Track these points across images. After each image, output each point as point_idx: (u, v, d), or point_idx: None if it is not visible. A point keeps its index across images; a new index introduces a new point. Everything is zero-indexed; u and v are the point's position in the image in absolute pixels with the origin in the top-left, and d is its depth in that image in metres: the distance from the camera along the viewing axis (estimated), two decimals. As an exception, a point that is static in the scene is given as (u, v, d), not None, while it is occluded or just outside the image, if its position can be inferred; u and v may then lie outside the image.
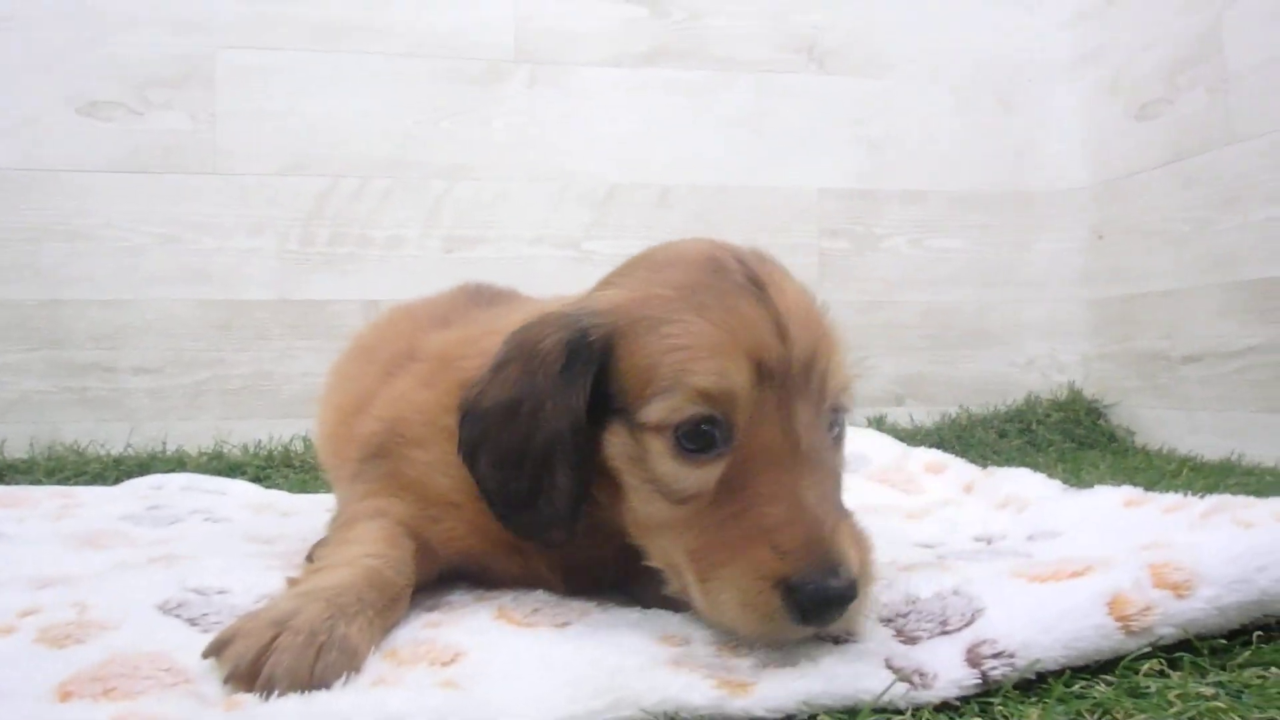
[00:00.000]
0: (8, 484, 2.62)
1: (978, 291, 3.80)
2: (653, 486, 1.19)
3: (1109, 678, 1.10)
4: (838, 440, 1.27)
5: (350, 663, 1.06)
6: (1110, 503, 1.83)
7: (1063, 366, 3.81)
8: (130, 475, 2.75)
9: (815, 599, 1.05)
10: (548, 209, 3.51)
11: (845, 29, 3.75)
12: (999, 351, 3.81)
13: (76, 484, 2.68)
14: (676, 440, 1.17)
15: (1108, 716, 1.01)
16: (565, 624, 1.22)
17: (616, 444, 1.22)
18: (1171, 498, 1.75)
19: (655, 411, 1.17)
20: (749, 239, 3.42)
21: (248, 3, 3.31)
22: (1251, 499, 1.56)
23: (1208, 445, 3.10)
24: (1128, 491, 1.88)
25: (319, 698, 0.99)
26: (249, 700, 0.98)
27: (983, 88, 3.83)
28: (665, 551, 1.21)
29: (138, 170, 3.22)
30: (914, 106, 3.79)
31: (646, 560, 1.25)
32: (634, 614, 1.25)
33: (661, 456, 1.18)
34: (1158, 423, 3.41)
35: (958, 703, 1.06)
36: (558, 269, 3.26)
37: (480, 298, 1.94)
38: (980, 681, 1.07)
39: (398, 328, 1.88)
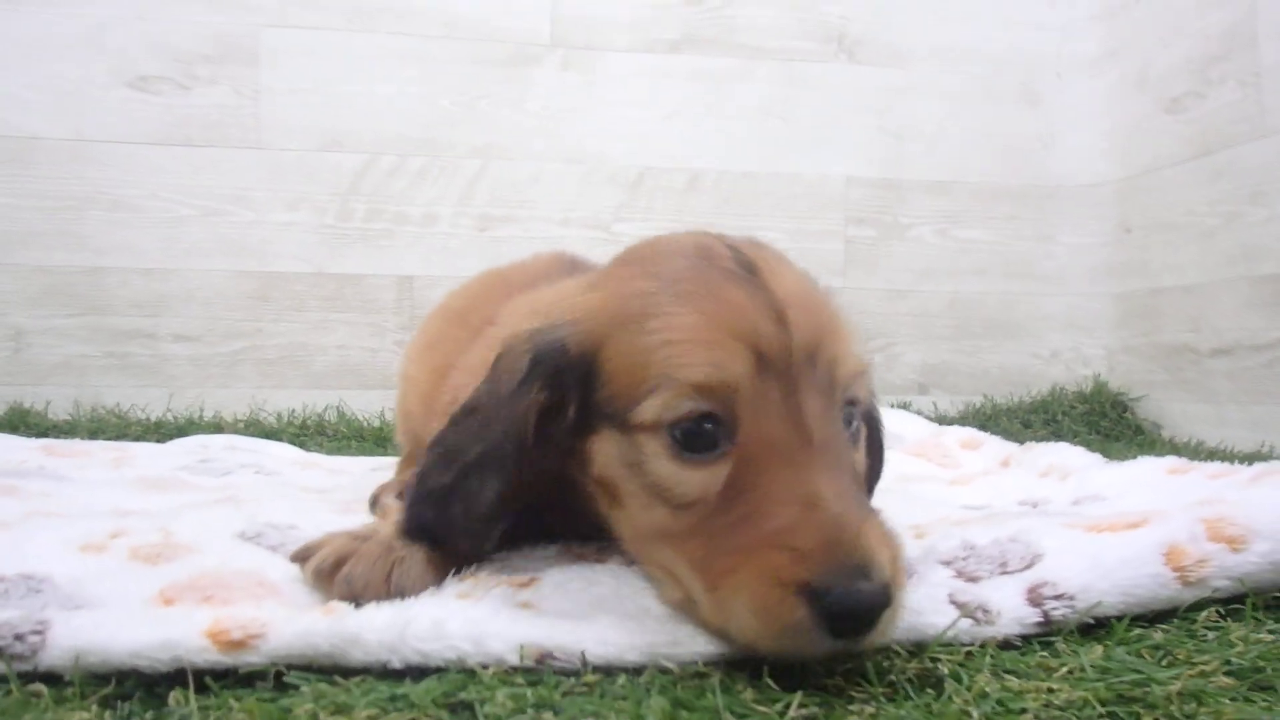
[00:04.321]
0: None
1: (1002, 283, 3.80)
2: (651, 492, 1.08)
3: (1166, 626, 1.12)
4: (854, 436, 1.15)
5: (424, 577, 1.10)
6: (1154, 470, 1.84)
7: (1087, 359, 3.81)
8: (171, 438, 2.78)
9: (844, 605, 0.91)
10: (578, 191, 3.53)
11: (872, 19, 3.76)
12: (1023, 343, 3.81)
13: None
14: (673, 440, 1.06)
15: (1170, 657, 1.02)
16: (633, 562, 1.21)
17: (608, 450, 1.12)
18: (1216, 465, 1.76)
19: (647, 410, 1.06)
20: (776, 225, 3.48)
21: (289, -19, 3.35)
22: None
23: (1236, 438, 3.08)
24: (1170, 461, 1.88)
25: (409, 605, 1.02)
26: (344, 607, 1.02)
27: (1008, 80, 3.84)
28: (662, 559, 1.10)
29: (182, 143, 3.25)
30: (940, 97, 3.80)
31: (643, 568, 1.15)
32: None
33: (658, 458, 1.07)
34: (1184, 416, 3.40)
35: (1019, 641, 1.07)
36: (587, 250, 3.28)
37: (571, 268, 1.92)
38: (1042, 620, 1.09)
39: (489, 292, 1.88)
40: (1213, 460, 2.66)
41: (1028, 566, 1.17)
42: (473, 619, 0.99)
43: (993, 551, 1.21)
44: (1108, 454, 2.72)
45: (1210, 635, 1.09)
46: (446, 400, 1.53)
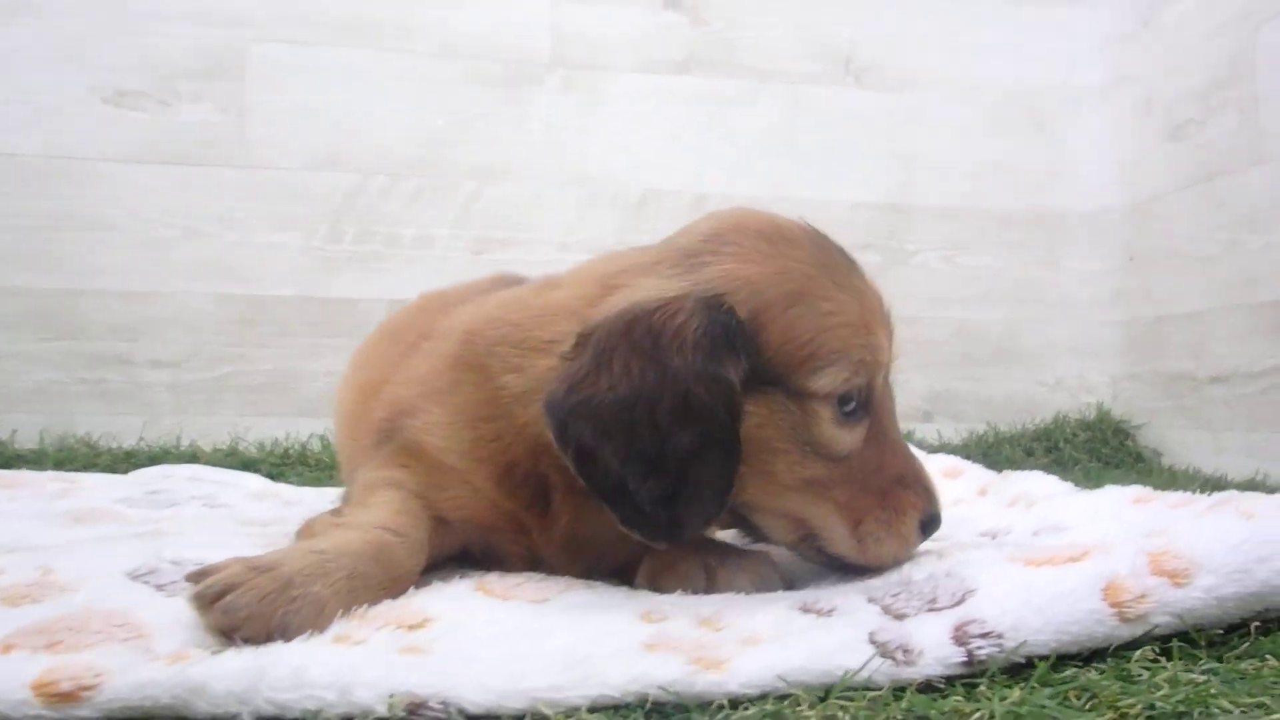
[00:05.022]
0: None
1: (1009, 310, 3.76)
2: (810, 449, 1.27)
3: (1100, 665, 1.06)
4: None
5: (317, 618, 1.05)
6: (1118, 500, 1.80)
7: (1091, 387, 3.76)
8: (142, 468, 2.74)
9: (935, 520, 1.35)
10: (579, 214, 3.48)
11: (880, 44, 3.73)
12: (1028, 370, 3.76)
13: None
14: (839, 406, 1.27)
15: (1094, 700, 0.97)
16: (544, 600, 1.21)
17: (764, 411, 1.25)
18: (1179, 495, 1.72)
19: (826, 381, 1.25)
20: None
21: (279, -5, 3.31)
22: (1258, 494, 1.50)
23: (1233, 466, 3.05)
24: (1136, 490, 1.85)
25: (270, 649, 0.96)
26: (197, 653, 0.96)
27: (1016, 107, 3.81)
28: (798, 507, 1.30)
29: (164, 162, 3.20)
30: (947, 124, 3.76)
31: (758, 521, 1.34)
32: (619, 593, 1.26)
33: (826, 421, 1.26)
34: (1184, 444, 3.38)
35: (941, 683, 1.02)
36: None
37: (511, 284, 1.91)
38: (966, 660, 1.03)
39: (426, 311, 1.85)
40: (1206, 489, 2.62)
41: (958, 603, 1.13)
42: (341, 665, 0.93)
43: (925, 587, 1.18)
44: (1105, 481, 2.67)
45: (1144, 675, 1.03)
46: (379, 416, 1.53)
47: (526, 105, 3.48)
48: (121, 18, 3.20)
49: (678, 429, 1.19)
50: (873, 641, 1.04)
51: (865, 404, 1.30)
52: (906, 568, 1.26)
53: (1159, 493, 1.79)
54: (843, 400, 1.27)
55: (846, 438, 1.28)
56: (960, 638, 1.05)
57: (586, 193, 3.51)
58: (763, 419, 1.25)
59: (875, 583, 1.23)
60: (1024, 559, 1.22)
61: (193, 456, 2.95)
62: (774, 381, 1.25)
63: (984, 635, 1.05)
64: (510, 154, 3.45)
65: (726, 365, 1.22)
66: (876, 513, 1.29)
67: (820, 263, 1.31)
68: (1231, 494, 1.58)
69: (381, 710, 0.89)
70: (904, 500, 1.31)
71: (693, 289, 1.25)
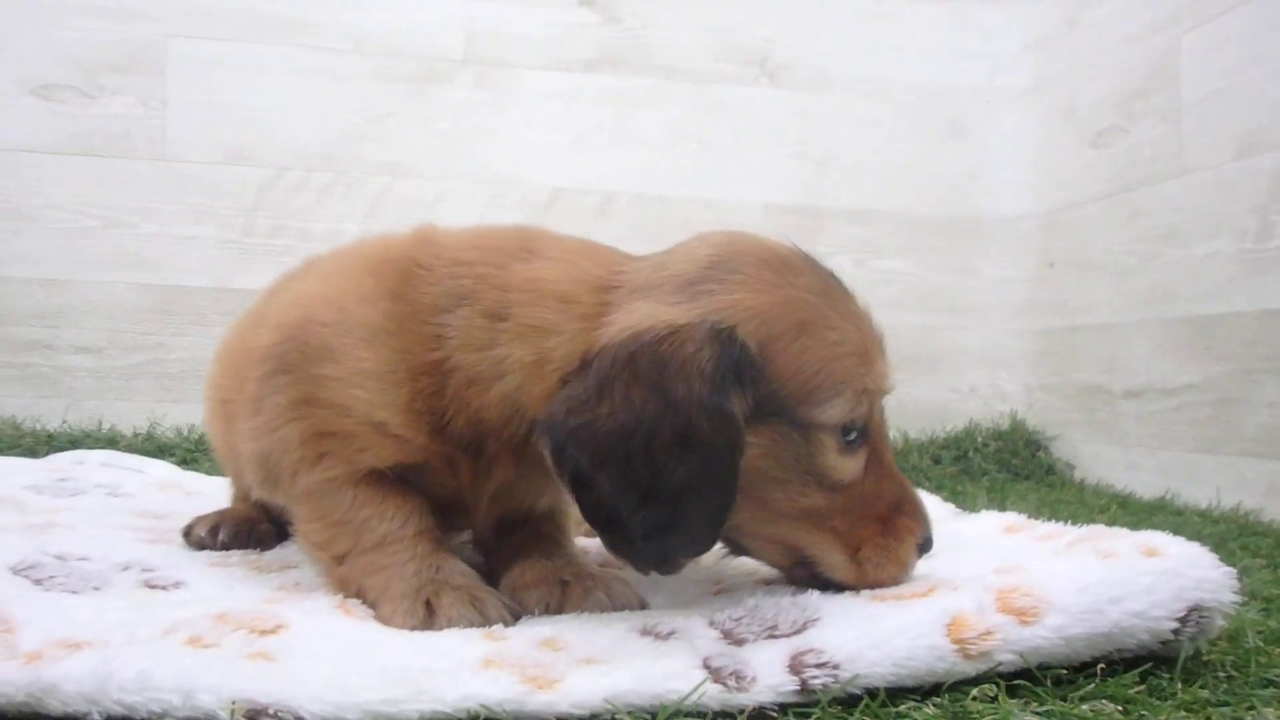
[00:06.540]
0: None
1: (922, 316, 3.76)
2: (811, 479, 1.27)
3: (939, 700, 1.06)
4: None
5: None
6: (991, 528, 1.81)
7: (1005, 396, 3.77)
8: (62, 450, 2.79)
9: (929, 545, 1.36)
10: (487, 212, 3.48)
11: (797, 44, 3.73)
12: (941, 377, 3.77)
13: (9, 456, 2.67)
14: (842, 435, 1.27)
15: None
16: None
17: (765, 443, 1.24)
18: (1048, 526, 1.73)
19: (832, 412, 1.25)
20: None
21: (197, -9, 3.32)
22: (1122, 530, 1.47)
23: (1143, 483, 3.04)
24: (1010, 517, 1.85)
25: (115, 651, 0.99)
26: (51, 652, 0.99)
27: (935, 110, 3.81)
28: (794, 535, 1.30)
29: (85, 153, 3.23)
30: (864, 125, 3.76)
31: (748, 545, 1.36)
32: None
33: (831, 451, 1.26)
34: (1096, 458, 3.36)
35: (774, 711, 1.03)
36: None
37: None
38: (799, 689, 1.04)
39: (289, 276, 1.81)
40: (1110, 506, 2.62)
41: (798, 631, 1.14)
42: (187, 669, 0.96)
43: (769, 613, 1.18)
44: (1011, 493, 2.67)
45: (978, 712, 1.04)
46: (269, 340, 1.41)
47: (438, 102, 3.50)
48: (45, 12, 3.21)
49: (675, 462, 1.16)
50: (706, 667, 1.05)
51: (864, 431, 1.30)
52: (756, 595, 1.26)
53: (1031, 521, 1.80)
54: (845, 430, 1.27)
55: (849, 466, 1.28)
56: (796, 666, 1.06)
57: (495, 191, 3.51)
58: (765, 449, 1.24)
59: (719, 606, 1.24)
60: (871, 591, 1.25)
61: (111, 440, 2.99)
62: (779, 412, 1.23)
63: (820, 665, 1.06)
64: (421, 151, 3.48)
65: (732, 399, 1.18)
66: (876, 539, 1.30)
67: (822, 290, 1.30)
68: (1097, 528, 1.56)
69: (223, 715, 0.93)
70: (903, 526, 1.32)
71: (704, 318, 1.21)
